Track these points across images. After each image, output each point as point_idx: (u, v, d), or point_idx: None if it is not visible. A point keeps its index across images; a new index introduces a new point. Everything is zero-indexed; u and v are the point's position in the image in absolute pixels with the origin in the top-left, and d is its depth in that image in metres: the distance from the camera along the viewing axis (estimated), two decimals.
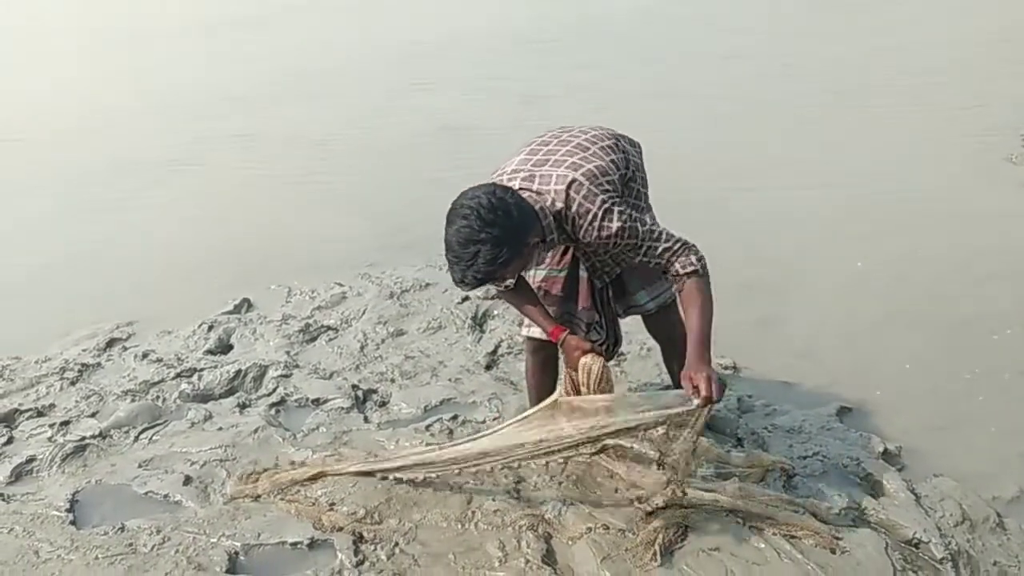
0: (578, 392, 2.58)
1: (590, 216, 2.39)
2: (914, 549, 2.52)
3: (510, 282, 2.60)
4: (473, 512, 2.62)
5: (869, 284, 4.33)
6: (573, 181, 2.41)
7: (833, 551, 2.38)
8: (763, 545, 2.39)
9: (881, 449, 3.06)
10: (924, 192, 5.38)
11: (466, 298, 4.30)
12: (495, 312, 4.20)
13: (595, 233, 2.41)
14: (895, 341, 3.82)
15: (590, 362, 2.54)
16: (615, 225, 2.39)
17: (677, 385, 3.01)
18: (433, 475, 2.72)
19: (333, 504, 2.69)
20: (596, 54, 9.24)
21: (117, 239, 5.42)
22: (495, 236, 2.27)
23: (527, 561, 2.41)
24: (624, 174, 2.56)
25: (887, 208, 5.18)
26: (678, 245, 2.44)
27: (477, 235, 2.27)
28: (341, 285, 4.54)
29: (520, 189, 2.42)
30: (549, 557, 2.45)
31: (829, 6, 10.30)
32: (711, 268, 2.47)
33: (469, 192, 2.34)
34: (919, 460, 3.07)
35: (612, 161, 2.53)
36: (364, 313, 4.24)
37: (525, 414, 2.59)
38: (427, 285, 4.51)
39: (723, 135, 6.64)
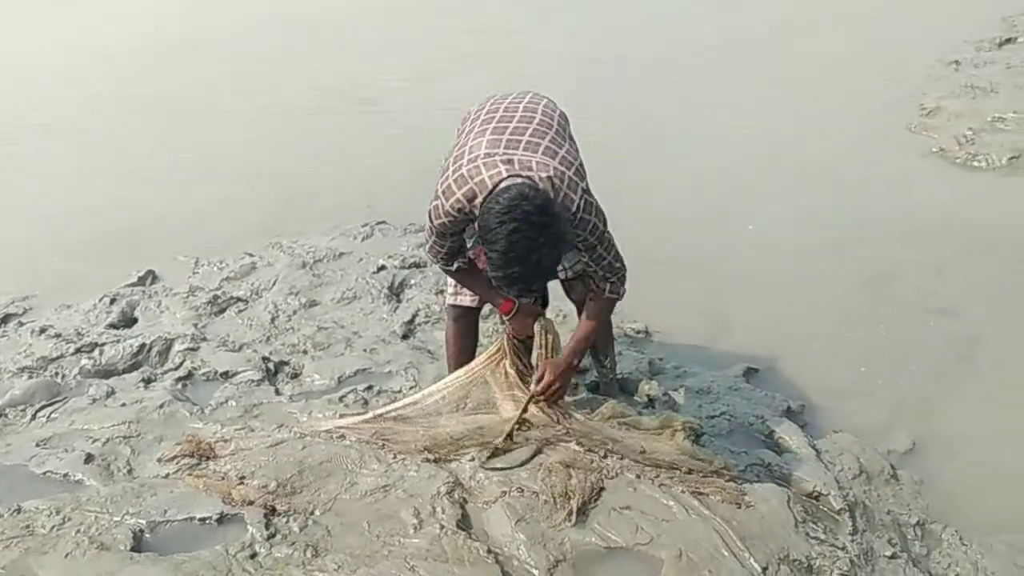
0: (527, 355, 2.80)
1: (574, 207, 2.38)
2: (814, 502, 2.63)
3: (463, 261, 2.61)
4: (388, 481, 2.60)
5: (766, 246, 4.45)
6: (555, 170, 2.37)
7: (739, 506, 2.45)
8: (671, 502, 2.45)
9: (785, 407, 3.18)
10: (821, 157, 5.53)
11: (382, 268, 4.25)
12: (412, 281, 4.16)
13: (573, 223, 2.39)
14: (795, 301, 3.96)
15: (546, 324, 2.75)
16: (591, 220, 2.42)
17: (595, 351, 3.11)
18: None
19: (243, 478, 2.62)
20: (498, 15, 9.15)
21: (6, 210, 5.14)
22: (553, 235, 2.23)
23: (442, 527, 2.40)
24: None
25: (784, 172, 5.32)
26: (620, 267, 2.57)
27: (536, 241, 2.20)
28: (251, 255, 4.42)
29: (508, 176, 2.32)
30: (464, 522, 2.44)
31: None
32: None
33: (497, 205, 2.22)
34: (820, 417, 3.21)
35: (572, 140, 2.56)
36: (275, 284, 4.14)
37: (473, 365, 2.84)
38: (341, 255, 4.43)
39: (621, 104, 6.63)
